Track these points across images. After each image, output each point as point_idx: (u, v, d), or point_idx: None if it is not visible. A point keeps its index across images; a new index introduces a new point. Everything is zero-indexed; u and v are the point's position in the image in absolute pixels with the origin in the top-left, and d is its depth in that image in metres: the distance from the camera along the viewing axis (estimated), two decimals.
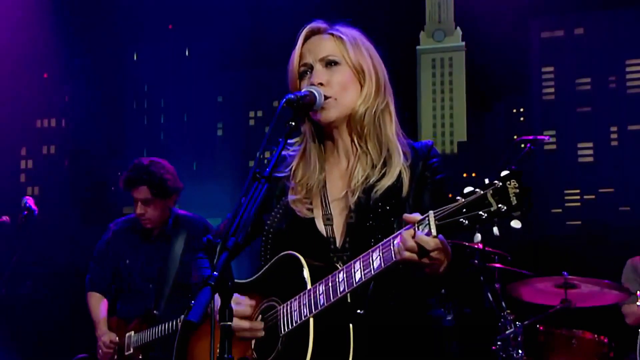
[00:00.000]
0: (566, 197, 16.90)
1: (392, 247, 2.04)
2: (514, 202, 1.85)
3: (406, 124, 2.47)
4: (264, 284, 2.34)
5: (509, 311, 4.83)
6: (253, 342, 2.32)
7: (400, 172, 2.33)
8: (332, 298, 2.13)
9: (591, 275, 4.97)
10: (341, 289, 2.12)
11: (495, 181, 1.89)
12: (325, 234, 2.34)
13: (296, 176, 2.44)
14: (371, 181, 2.33)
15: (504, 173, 1.89)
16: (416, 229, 2.00)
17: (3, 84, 11.26)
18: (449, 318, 4.56)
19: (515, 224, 1.86)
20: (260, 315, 2.34)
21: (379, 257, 2.06)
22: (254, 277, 2.40)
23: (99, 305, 4.74)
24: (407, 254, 1.99)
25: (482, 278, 5.05)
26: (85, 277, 4.86)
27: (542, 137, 5.24)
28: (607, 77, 23.94)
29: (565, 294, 4.90)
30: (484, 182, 1.91)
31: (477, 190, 1.91)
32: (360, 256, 2.11)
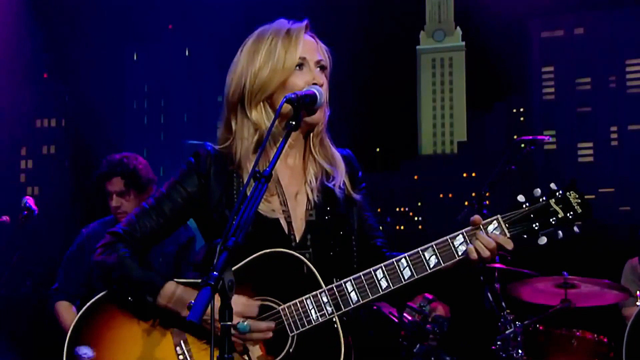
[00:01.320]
0: None
1: (452, 247, 2.19)
2: (579, 210, 2.18)
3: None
4: (247, 284, 2.25)
5: (509, 311, 4.82)
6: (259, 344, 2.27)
7: (344, 179, 2.45)
8: (370, 295, 2.19)
9: (591, 275, 4.96)
10: (383, 286, 2.19)
11: (559, 191, 2.19)
12: (286, 231, 2.35)
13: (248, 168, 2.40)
14: (324, 183, 2.41)
15: (553, 186, 2.20)
16: (482, 230, 2.17)
17: (3, 84, 11.26)
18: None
19: (576, 229, 2.18)
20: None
21: (434, 256, 2.18)
22: None
23: (70, 312, 4.68)
24: (488, 254, 2.16)
25: (482, 278, 5.03)
26: (50, 288, 4.77)
27: (542, 137, 5.21)
28: (607, 77, 23.98)
29: (565, 294, 4.89)
30: (537, 191, 2.20)
31: (541, 198, 2.20)
32: (405, 254, 2.20)
